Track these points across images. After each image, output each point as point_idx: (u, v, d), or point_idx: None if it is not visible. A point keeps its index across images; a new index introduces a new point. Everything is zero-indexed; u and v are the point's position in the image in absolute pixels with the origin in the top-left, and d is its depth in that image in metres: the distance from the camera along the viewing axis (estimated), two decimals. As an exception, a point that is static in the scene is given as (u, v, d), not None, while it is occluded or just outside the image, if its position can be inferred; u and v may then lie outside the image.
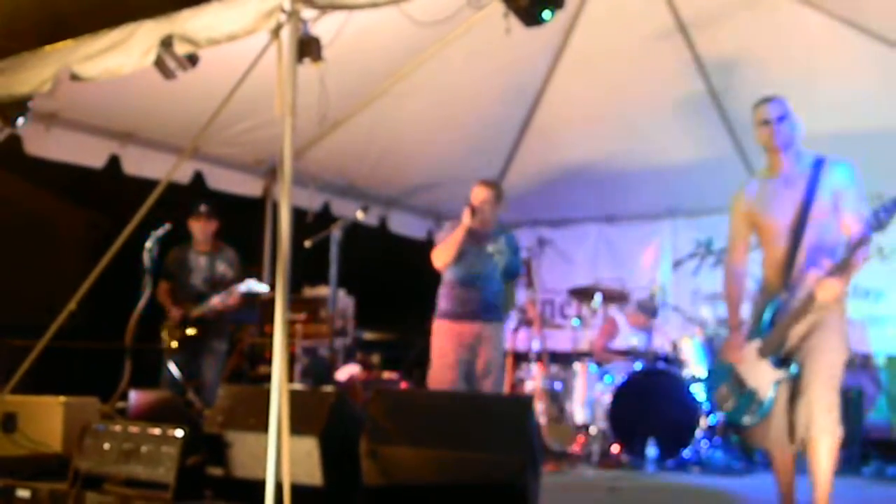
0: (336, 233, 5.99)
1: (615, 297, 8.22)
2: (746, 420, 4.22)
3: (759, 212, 4.28)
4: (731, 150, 8.02)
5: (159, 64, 4.58)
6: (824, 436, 3.97)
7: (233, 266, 6.94)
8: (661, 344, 7.86)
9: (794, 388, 4.10)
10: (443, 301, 5.98)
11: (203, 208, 6.95)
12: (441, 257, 5.88)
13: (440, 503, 3.84)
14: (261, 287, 6.69)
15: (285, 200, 3.90)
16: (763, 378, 4.13)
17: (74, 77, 4.93)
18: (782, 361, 4.10)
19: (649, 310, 7.92)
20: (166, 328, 6.77)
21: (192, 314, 6.75)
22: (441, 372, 5.77)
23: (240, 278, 6.78)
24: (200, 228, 6.95)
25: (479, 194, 5.87)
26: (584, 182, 8.88)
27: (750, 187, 4.38)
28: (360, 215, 6.27)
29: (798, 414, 4.05)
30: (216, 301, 6.69)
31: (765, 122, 4.22)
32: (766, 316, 4.16)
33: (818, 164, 4.14)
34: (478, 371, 5.81)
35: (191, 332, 6.72)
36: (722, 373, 4.36)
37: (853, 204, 4.06)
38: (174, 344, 6.71)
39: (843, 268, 3.93)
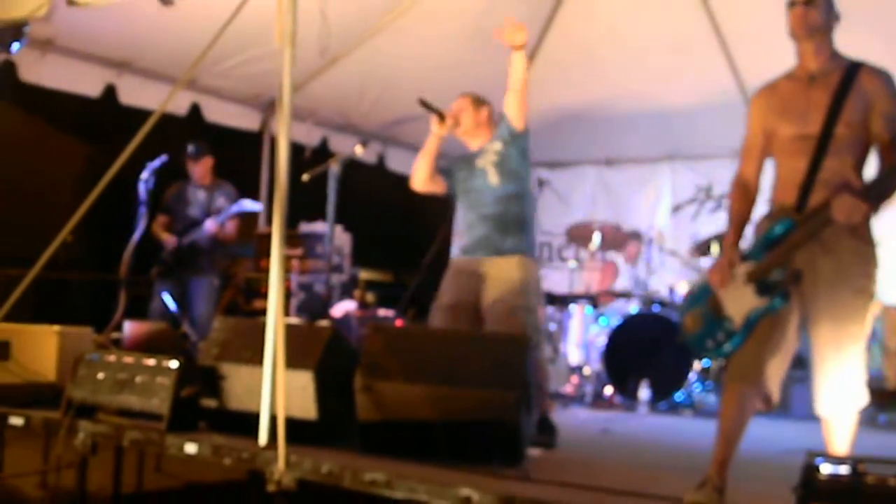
0: (334, 168, 5.92)
1: (613, 238, 8.23)
2: (708, 346, 3.54)
3: (777, 117, 3.52)
4: (734, 94, 7.93)
5: (157, -10, 4.49)
6: (836, 415, 3.36)
7: (231, 199, 6.93)
8: (656, 286, 7.88)
9: (778, 330, 3.36)
10: None
11: (191, 149, 6.91)
12: (413, 175, 5.09)
13: (434, 438, 3.84)
14: (254, 205, 6.69)
15: (284, 133, 3.85)
16: (742, 305, 3.42)
17: (71, 2, 4.84)
18: (768, 288, 3.37)
19: (638, 236, 8.17)
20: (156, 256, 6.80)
21: (185, 240, 6.76)
22: (433, 315, 4.90)
23: None
24: (194, 168, 6.96)
25: (455, 105, 5.07)
26: (583, 124, 8.81)
27: (770, 87, 3.63)
28: (359, 150, 6.19)
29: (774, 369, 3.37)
30: (210, 225, 6.70)
31: (791, 3, 3.44)
32: (771, 236, 3.43)
33: (853, 69, 3.40)
34: (485, 315, 4.79)
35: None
36: (700, 296, 3.64)
37: (893, 117, 3.33)
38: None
39: (873, 189, 3.23)
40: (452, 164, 5.14)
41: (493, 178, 4.88)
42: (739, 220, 3.63)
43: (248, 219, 7.17)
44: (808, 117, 3.42)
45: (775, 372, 3.38)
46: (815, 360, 3.36)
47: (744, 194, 3.65)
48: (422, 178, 5.05)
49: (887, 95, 3.37)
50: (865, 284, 3.34)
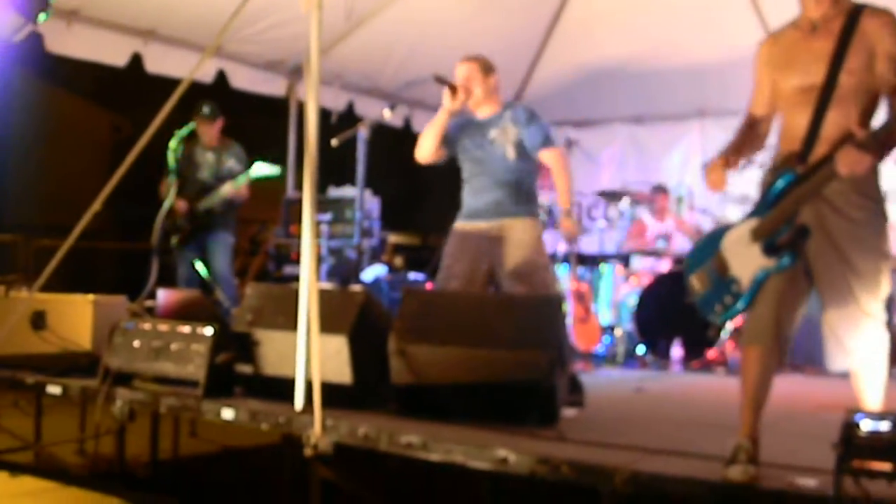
0: (363, 132, 5.90)
1: (643, 200, 8.20)
2: (716, 310, 3.45)
3: (780, 68, 3.43)
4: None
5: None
6: (860, 370, 3.28)
7: (241, 161, 6.93)
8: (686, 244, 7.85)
9: (796, 287, 3.28)
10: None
11: (206, 110, 6.85)
12: (420, 148, 5.07)
13: (468, 401, 3.86)
14: (271, 168, 6.65)
15: (312, 98, 3.83)
16: (749, 265, 3.31)
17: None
18: (775, 248, 3.26)
19: (664, 189, 8.17)
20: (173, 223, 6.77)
21: (200, 207, 6.76)
22: (444, 283, 4.96)
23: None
24: (206, 129, 6.90)
25: (461, 72, 5.01)
26: (612, 82, 8.73)
27: (774, 36, 3.53)
28: (387, 114, 6.16)
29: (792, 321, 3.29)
30: (226, 189, 6.70)
31: None
32: (773, 191, 3.29)
33: (855, 13, 3.27)
34: (504, 277, 4.88)
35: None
36: (705, 254, 3.55)
37: None
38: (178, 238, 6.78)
39: (878, 138, 3.08)
40: (452, 129, 5.08)
41: (511, 154, 4.95)
42: (742, 135, 3.58)
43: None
44: (811, 68, 3.30)
45: (787, 329, 3.30)
46: (826, 318, 3.28)
47: (750, 126, 3.58)
48: (429, 152, 5.06)
49: (891, 36, 3.22)
50: (877, 242, 3.25)
